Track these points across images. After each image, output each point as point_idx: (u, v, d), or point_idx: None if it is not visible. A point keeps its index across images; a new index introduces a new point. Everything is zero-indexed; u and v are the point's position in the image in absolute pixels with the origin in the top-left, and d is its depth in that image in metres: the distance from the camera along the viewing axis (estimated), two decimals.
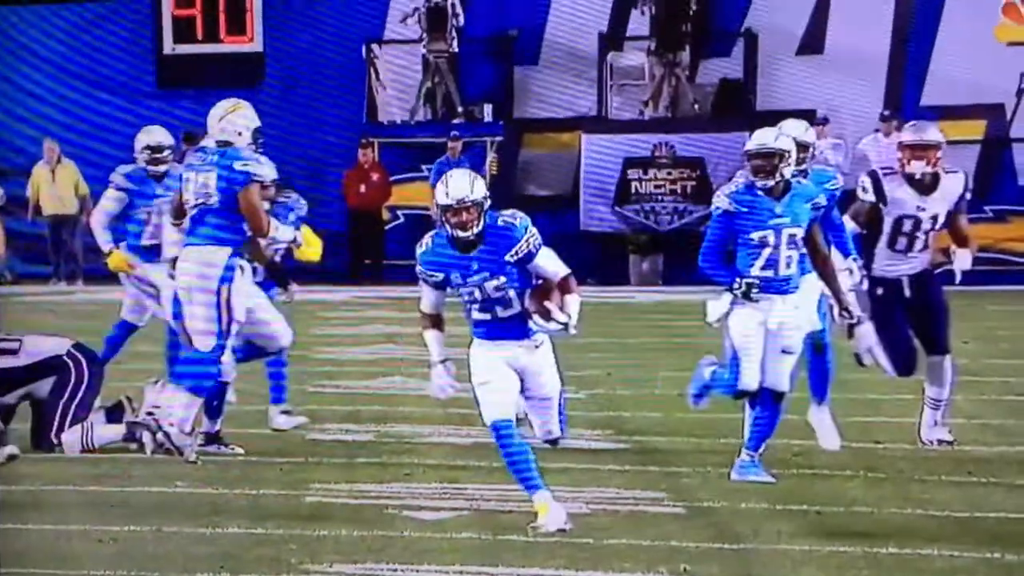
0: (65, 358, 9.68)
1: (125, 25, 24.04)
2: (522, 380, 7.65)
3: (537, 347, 7.63)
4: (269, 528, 7.71)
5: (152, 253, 11.24)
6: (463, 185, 7.47)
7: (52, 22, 24.04)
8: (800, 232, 8.67)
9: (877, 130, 21.57)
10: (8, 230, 21.59)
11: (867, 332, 9.36)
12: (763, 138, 8.75)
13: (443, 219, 7.50)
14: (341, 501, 8.33)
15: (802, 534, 7.57)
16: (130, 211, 11.43)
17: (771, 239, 8.65)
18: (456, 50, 23.04)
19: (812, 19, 22.99)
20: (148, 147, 11.49)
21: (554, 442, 8.00)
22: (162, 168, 11.39)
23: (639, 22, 22.98)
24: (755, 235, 8.66)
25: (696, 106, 22.83)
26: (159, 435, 9.34)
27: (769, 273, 8.68)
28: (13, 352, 9.72)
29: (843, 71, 22.72)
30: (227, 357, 9.44)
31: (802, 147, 9.08)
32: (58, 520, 7.89)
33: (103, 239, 11.45)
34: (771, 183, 8.65)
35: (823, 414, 9.58)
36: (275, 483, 8.78)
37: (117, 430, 9.71)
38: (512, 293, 7.53)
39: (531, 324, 7.53)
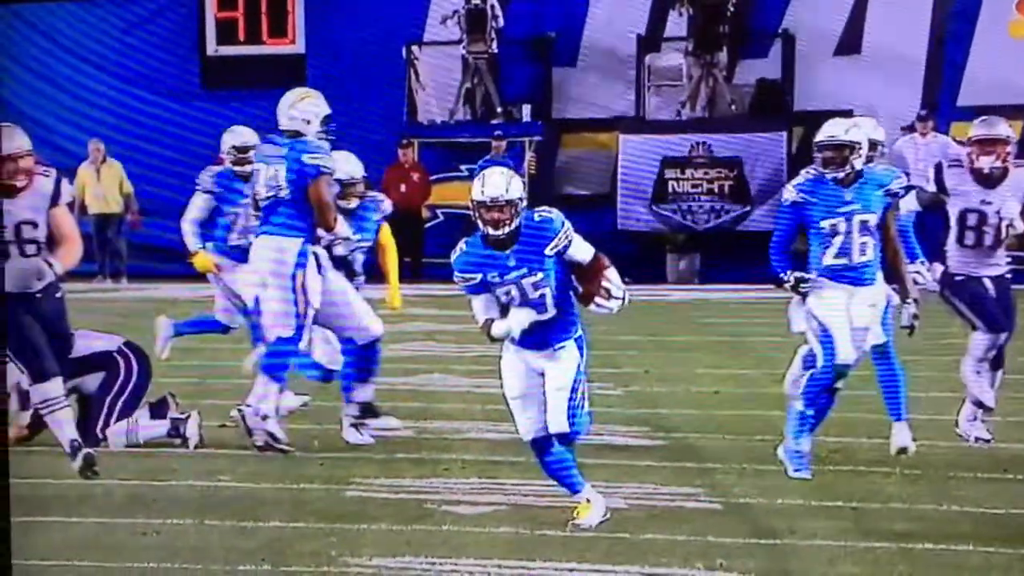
0: (115, 355, 9.73)
1: (170, 26, 24.13)
2: (543, 375, 7.56)
3: (557, 351, 7.52)
4: (310, 522, 7.73)
5: (240, 253, 11.05)
6: (499, 184, 7.43)
7: (97, 22, 24.14)
8: (873, 219, 8.53)
9: (912, 129, 21.47)
10: None
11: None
12: (833, 130, 8.63)
13: (476, 215, 7.46)
14: (381, 496, 8.34)
15: (838, 530, 7.55)
16: (217, 213, 11.36)
17: (842, 227, 8.53)
18: (495, 51, 23.04)
19: (850, 19, 22.90)
20: (234, 147, 11.37)
21: (563, 437, 7.62)
22: (249, 168, 11.01)
23: (677, 23, 22.94)
24: (825, 223, 8.55)
25: (733, 106, 22.78)
26: (259, 437, 9.38)
27: (843, 261, 8.55)
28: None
29: (880, 71, 22.62)
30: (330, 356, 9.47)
31: (872, 145, 8.96)
32: (102, 513, 7.93)
33: (191, 241, 11.32)
34: (841, 174, 8.55)
35: (904, 432, 9.17)
36: (316, 478, 8.80)
37: (162, 426, 9.74)
38: (549, 293, 7.44)
39: (592, 307, 7.47)
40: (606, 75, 23.50)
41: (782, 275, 8.64)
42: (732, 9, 22.53)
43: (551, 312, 7.48)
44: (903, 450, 9.07)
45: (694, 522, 7.72)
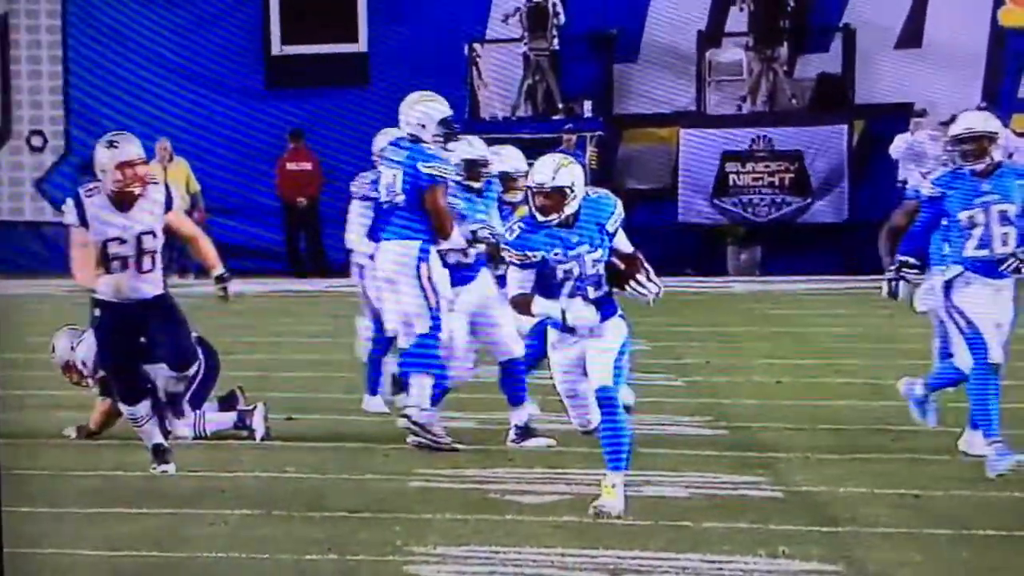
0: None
1: (235, 26, 24.24)
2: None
3: (604, 321, 7.45)
4: (375, 512, 7.76)
5: None
6: (545, 170, 7.41)
7: (163, 22, 24.28)
8: (1013, 209, 8.36)
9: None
10: None
11: None
12: (971, 122, 8.45)
13: (530, 199, 7.46)
14: (445, 486, 8.36)
15: (900, 517, 7.50)
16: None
17: (980, 217, 8.38)
18: (557, 48, 23.04)
19: (910, 13, 22.75)
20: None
21: (607, 394, 7.41)
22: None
23: (738, 18, 22.88)
24: (962, 215, 8.41)
25: (794, 100, 22.69)
26: (418, 437, 9.33)
27: (984, 253, 8.38)
28: None
29: (941, 64, 22.46)
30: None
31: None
32: (172, 504, 7.98)
33: (364, 249, 10.77)
34: (980, 166, 8.39)
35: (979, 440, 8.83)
36: (380, 469, 8.84)
37: (228, 418, 9.80)
38: (602, 270, 7.45)
39: (628, 289, 7.40)
40: (667, 70, 23.45)
41: (901, 258, 8.50)
42: (793, 4, 22.44)
43: (605, 288, 7.48)
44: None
45: (756, 511, 7.69)
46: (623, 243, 7.52)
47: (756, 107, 22.78)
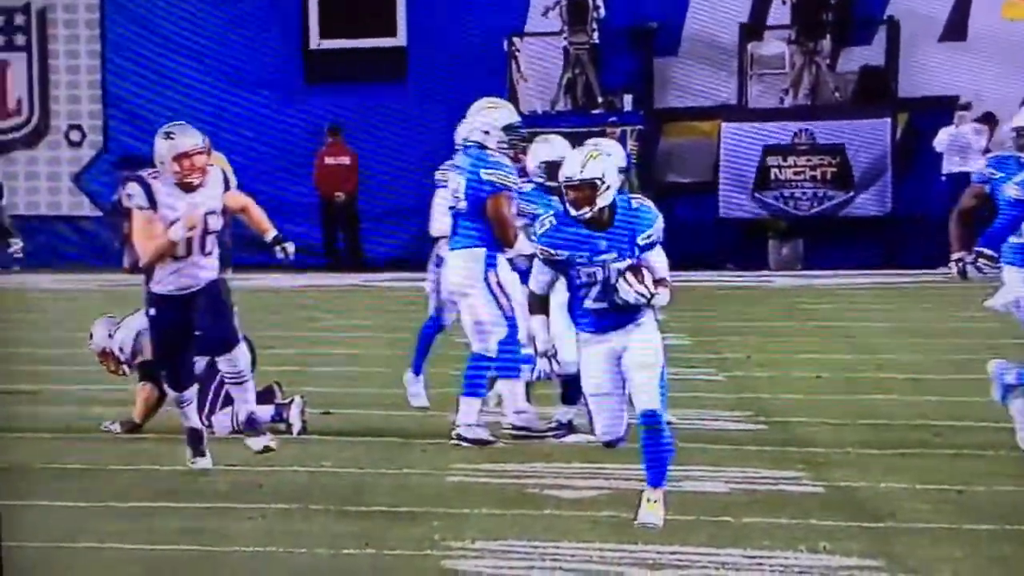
0: None
1: (273, 20, 24.31)
2: (624, 353, 7.26)
3: (639, 325, 7.25)
4: (412, 507, 7.78)
5: None
6: (574, 163, 7.23)
7: (202, 17, 24.37)
8: None
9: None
10: None
11: None
12: None
13: (564, 194, 7.28)
14: (483, 481, 8.37)
15: (942, 513, 7.48)
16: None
17: None
18: (597, 41, 23.02)
19: (955, 5, 22.65)
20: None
21: (652, 416, 7.19)
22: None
23: (780, 11, 22.82)
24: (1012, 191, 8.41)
25: (837, 94, 22.63)
26: (528, 438, 9.31)
27: None
28: None
29: (986, 57, 22.35)
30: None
31: None
32: (210, 499, 8.03)
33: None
34: None
35: None
36: (418, 463, 8.85)
37: (266, 412, 9.84)
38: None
39: (619, 286, 7.14)
40: (708, 64, 23.41)
41: (979, 249, 8.48)
42: None
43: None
44: None
45: (796, 506, 7.68)
46: (655, 261, 7.25)
47: (798, 100, 22.72)
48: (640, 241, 7.21)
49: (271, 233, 8.88)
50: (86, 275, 20.59)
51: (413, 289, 19.87)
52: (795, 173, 22.43)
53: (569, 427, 9.48)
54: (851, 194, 22.15)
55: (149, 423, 9.93)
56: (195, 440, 8.81)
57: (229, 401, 9.74)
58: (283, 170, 23.58)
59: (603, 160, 7.25)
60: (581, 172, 7.18)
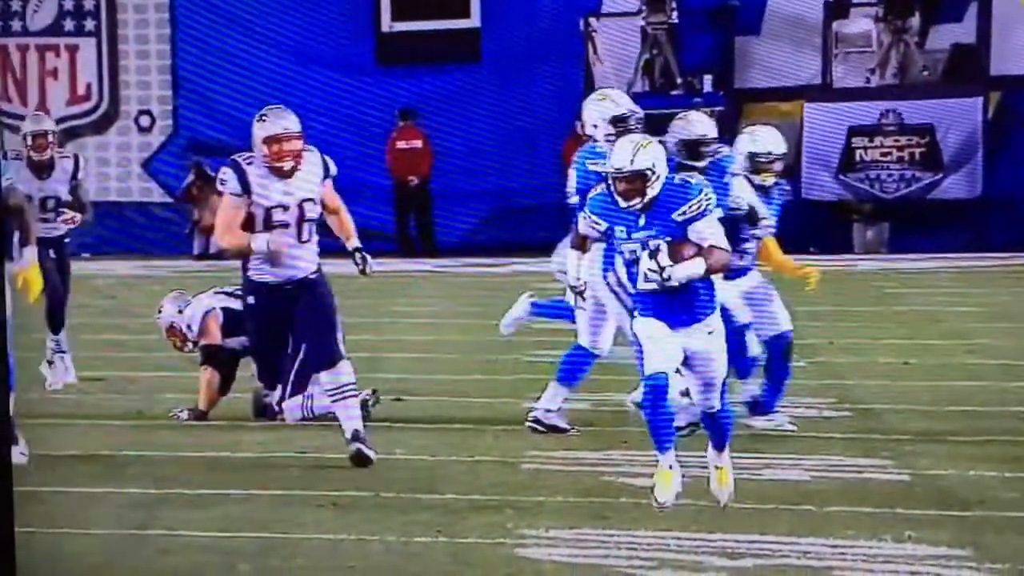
0: None
1: (345, 1, 24.40)
2: (689, 358, 7.25)
3: (710, 333, 7.23)
4: (486, 494, 7.79)
5: None
6: (624, 153, 7.17)
7: None
8: None
9: None
10: None
11: None
12: None
13: (612, 184, 7.22)
14: (557, 468, 8.38)
15: None
16: None
17: None
18: (675, 21, 22.95)
19: None
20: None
21: (713, 415, 7.44)
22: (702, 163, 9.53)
23: None
24: None
25: (926, 72, 22.44)
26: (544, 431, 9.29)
27: None
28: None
29: None
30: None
31: None
32: (280, 486, 8.08)
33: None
34: None
35: None
36: (492, 450, 8.88)
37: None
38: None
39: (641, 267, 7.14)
40: (791, 43, 23.27)
41: None
42: None
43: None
44: None
45: (881, 494, 7.64)
46: (706, 227, 7.16)
47: (885, 80, 22.56)
48: (677, 218, 7.15)
49: (354, 242, 8.86)
50: (155, 261, 20.75)
51: (486, 275, 19.98)
52: (882, 154, 22.28)
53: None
54: (940, 176, 21.96)
55: (218, 410, 10.01)
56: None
57: (300, 388, 9.79)
58: (355, 154, 23.66)
59: (653, 149, 7.20)
60: (631, 163, 7.14)
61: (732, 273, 8.99)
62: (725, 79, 23.29)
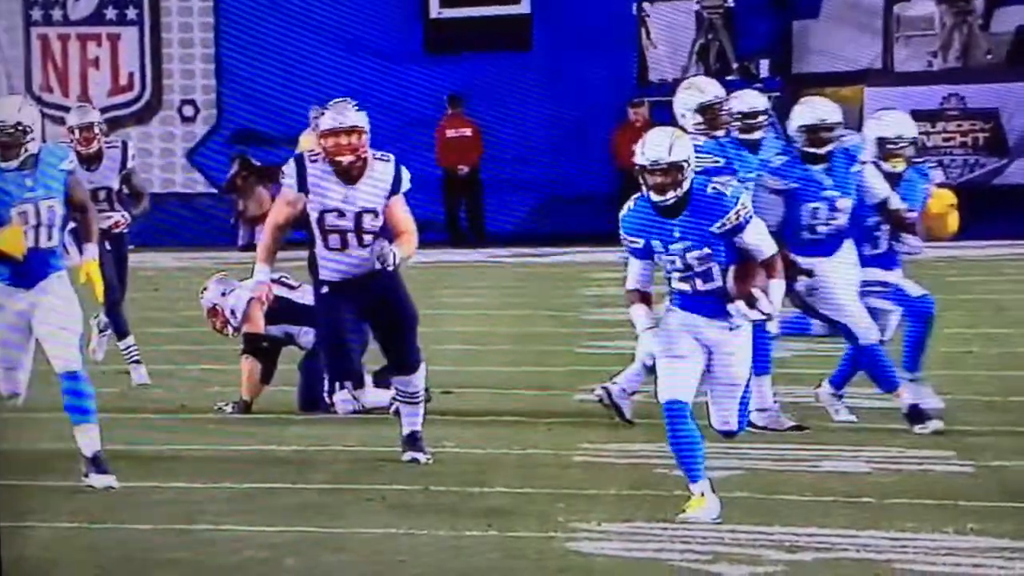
0: None
1: None
2: (710, 358, 7.19)
3: (732, 330, 7.16)
4: (537, 487, 7.82)
5: None
6: (660, 144, 7.04)
7: None
8: None
9: None
10: (275, 196, 22.17)
11: None
12: None
13: (640, 179, 7.10)
14: (610, 461, 8.40)
15: None
16: None
17: None
18: (731, 5, 22.91)
19: None
20: (741, 113, 9.55)
21: (729, 434, 7.37)
22: (757, 135, 9.45)
23: None
24: None
25: (990, 55, 22.32)
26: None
27: None
28: (292, 287, 10.23)
29: None
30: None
31: None
32: (327, 479, 8.13)
33: None
34: None
35: None
36: (543, 443, 8.91)
37: (386, 394, 9.91)
38: (716, 267, 7.10)
39: (731, 309, 7.09)
40: (851, 26, 23.19)
41: None
42: None
43: (718, 282, 7.13)
44: None
45: (943, 486, 7.64)
46: (756, 241, 7.10)
47: (948, 63, 22.44)
48: (716, 230, 7.06)
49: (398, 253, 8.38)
50: (199, 253, 20.84)
51: (537, 265, 20.01)
52: (944, 140, 22.16)
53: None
54: (1004, 161, 21.83)
55: (263, 403, 10.07)
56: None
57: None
58: (403, 143, 23.70)
59: (686, 141, 7.14)
60: (670, 154, 7.02)
61: (874, 262, 9.05)
62: (783, 64, 23.23)
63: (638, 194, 7.20)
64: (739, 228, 7.07)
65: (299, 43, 24.37)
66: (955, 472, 7.96)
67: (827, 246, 9.02)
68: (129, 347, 11.22)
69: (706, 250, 7.07)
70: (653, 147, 7.04)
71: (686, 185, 7.04)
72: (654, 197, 7.05)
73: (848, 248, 9.09)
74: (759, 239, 7.13)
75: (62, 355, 7.85)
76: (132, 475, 7.91)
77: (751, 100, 9.44)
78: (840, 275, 9.02)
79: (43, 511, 7.47)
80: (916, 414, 8.98)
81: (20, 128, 7.80)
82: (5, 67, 24.41)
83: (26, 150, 7.83)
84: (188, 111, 24.62)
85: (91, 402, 7.91)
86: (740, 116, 9.32)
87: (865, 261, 9.16)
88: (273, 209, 8.53)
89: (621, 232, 7.20)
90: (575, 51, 23.61)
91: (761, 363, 9.10)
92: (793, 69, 23.39)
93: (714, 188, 7.10)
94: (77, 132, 11.17)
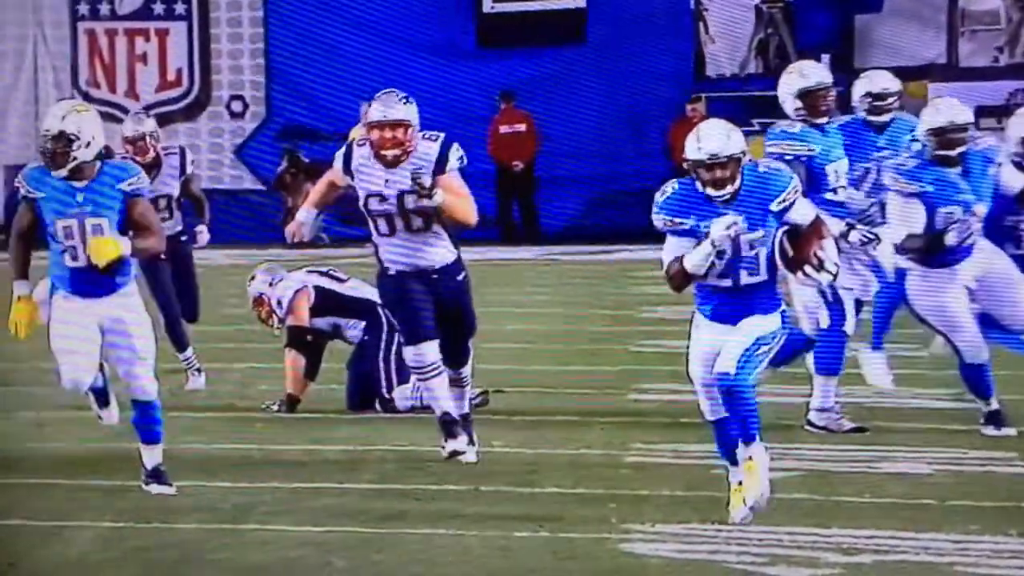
0: (379, 308, 9.96)
1: None
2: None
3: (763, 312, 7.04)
4: (589, 487, 7.82)
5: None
6: (718, 136, 6.94)
7: None
8: None
9: None
10: None
11: None
12: None
13: (694, 174, 6.99)
14: (664, 461, 8.39)
15: None
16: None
17: None
18: None
19: None
20: (870, 94, 9.44)
21: (725, 385, 7.00)
22: (887, 116, 9.33)
23: None
24: None
25: None
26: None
27: None
28: (341, 280, 10.34)
29: None
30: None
31: None
32: (375, 479, 8.15)
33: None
34: None
35: None
36: (595, 443, 8.90)
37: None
38: (763, 254, 7.00)
39: (797, 279, 7.04)
40: (914, 20, 23.11)
41: None
42: None
43: (762, 276, 7.05)
44: None
45: (1006, 488, 7.59)
46: (801, 213, 7.04)
47: (1015, 58, 22.33)
48: (775, 207, 6.97)
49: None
50: (247, 250, 20.90)
51: (591, 262, 20.00)
52: None
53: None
54: None
55: (311, 403, 10.10)
56: (447, 425, 8.33)
57: (404, 376, 9.81)
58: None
59: (738, 131, 7.02)
60: (727, 146, 6.92)
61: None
62: (844, 59, 23.14)
63: (673, 180, 7.10)
64: (793, 204, 7.00)
65: (350, 38, 24.44)
66: (1019, 474, 7.92)
67: (962, 251, 8.90)
68: (188, 359, 11.24)
69: (760, 232, 6.96)
70: (710, 140, 6.93)
71: (740, 179, 6.97)
72: (712, 192, 6.94)
73: (976, 259, 8.94)
74: (805, 209, 7.07)
75: (139, 385, 7.84)
76: (179, 474, 7.94)
77: (882, 81, 9.31)
78: (954, 287, 8.93)
79: (89, 511, 7.52)
80: (998, 418, 8.94)
81: (64, 137, 7.58)
82: (51, 62, 24.56)
83: (74, 159, 7.62)
84: (237, 107, 24.72)
85: (160, 426, 7.95)
86: (869, 97, 9.23)
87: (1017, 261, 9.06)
88: (318, 183, 8.57)
89: (661, 215, 7.03)
90: (630, 45, 23.60)
91: (832, 361, 9.08)
92: (855, 64, 23.28)
93: (767, 167, 7.06)
94: (131, 145, 11.08)
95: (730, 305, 7.04)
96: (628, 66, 23.74)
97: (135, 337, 7.78)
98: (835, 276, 7.09)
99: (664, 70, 23.63)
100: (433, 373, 8.29)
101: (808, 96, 9.11)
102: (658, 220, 7.06)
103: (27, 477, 8.27)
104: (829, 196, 9.11)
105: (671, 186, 7.05)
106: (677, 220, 7.01)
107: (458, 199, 8.19)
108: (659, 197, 7.06)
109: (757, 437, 7.06)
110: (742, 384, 6.99)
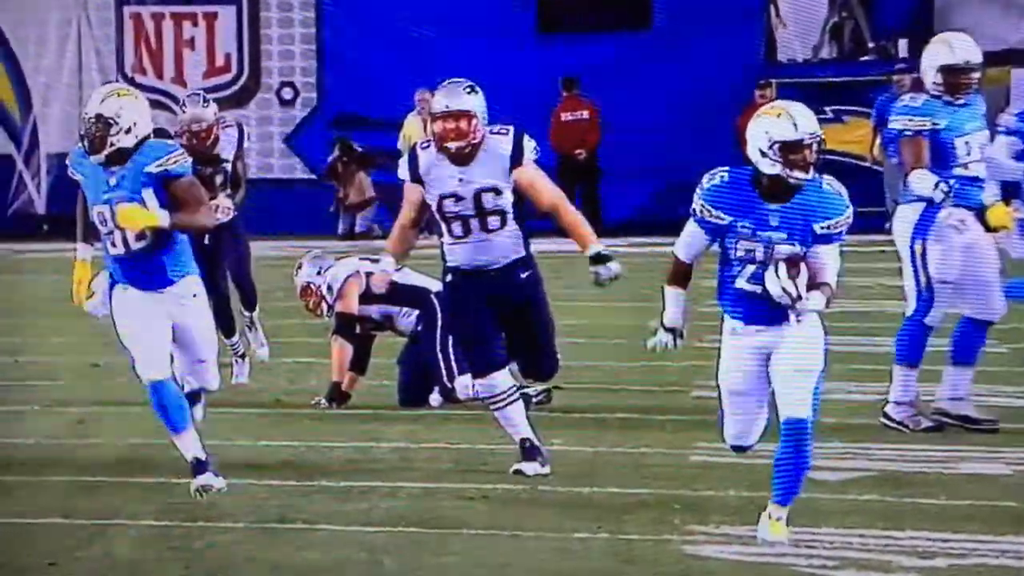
0: (432, 297, 10.00)
1: None
2: (772, 354, 6.88)
3: (800, 320, 6.82)
4: (651, 488, 7.82)
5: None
6: (810, 116, 6.72)
7: None
8: None
9: None
10: (379, 183, 22.33)
11: None
12: None
13: (775, 157, 6.65)
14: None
15: None
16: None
17: None
18: None
19: None
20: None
21: (798, 424, 6.82)
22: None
23: None
24: None
25: None
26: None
27: None
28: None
29: None
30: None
31: None
32: (430, 478, 8.18)
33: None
34: None
35: None
36: (658, 442, 8.90)
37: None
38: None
39: (767, 273, 6.73)
40: (997, 3, 23.01)
41: None
42: None
43: None
44: None
45: None
46: (825, 261, 6.78)
47: None
48: (818, 229, 6.76)
49: (591, 249, 8.47)
50: (297, 241, 20.97)
51: (655, 254, 19.91)
52: None
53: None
54: None
55: (361, 398, 10.13)
56: (527, 449, 8.23)
57: (464, 367, 9.81)
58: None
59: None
60: (811, 129, 6.68)
61: None
62: (922, 44, 23.01)
63: (725, 168, 6.89)
64: (834, 238, 6.78)
65: (404, 22, 24.46)
66: None
67: None
68: (235, 343, 11.27)
69: (797, 247, 6.75)
70: (804, 119, 6.70)
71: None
72: (800, 176, 6.65)
73: None
74: (832, 259, 6.81)
75: (203, 381, 8.24)
76: (224, 472, 7.98)
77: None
78: None
79: (132, 509, 7.57)
80: None
81: (103, 120, 7.60)
82: (95, 47, 24.71)
83: (111, 144, 7.64)
84: (287, 94, 24.80)
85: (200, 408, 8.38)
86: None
87: None
88: (402, 209, 8.38)
89: (702, 203, 6.83)
90: (698, 31, 23.54)
91: (906, 350, 9.00)
92: None
93: (831, 187, 6.78)
94: (194, 136, 10.85)
95: (763, 309, 6.83)
96: (695, 52, 23.68)
97: (204, 332, 7.99)
98: (795, 301, 6.73)
99: (732, 55, 23.56)
100: (507, 400, 8.23)
101: (951, 72, 8.91)
102: (696, 204, 6.87)
103: (68, 475, 8.33)
104: (959, 171, 8.95)
105: (720, 174, 6.85)
106: (714, 213, 6.82)
107: (564, 208, 8.49)
108: (706, 181, 6.86)
109: (792, 502, 6.87)
110: (812, 426, 6.85)
